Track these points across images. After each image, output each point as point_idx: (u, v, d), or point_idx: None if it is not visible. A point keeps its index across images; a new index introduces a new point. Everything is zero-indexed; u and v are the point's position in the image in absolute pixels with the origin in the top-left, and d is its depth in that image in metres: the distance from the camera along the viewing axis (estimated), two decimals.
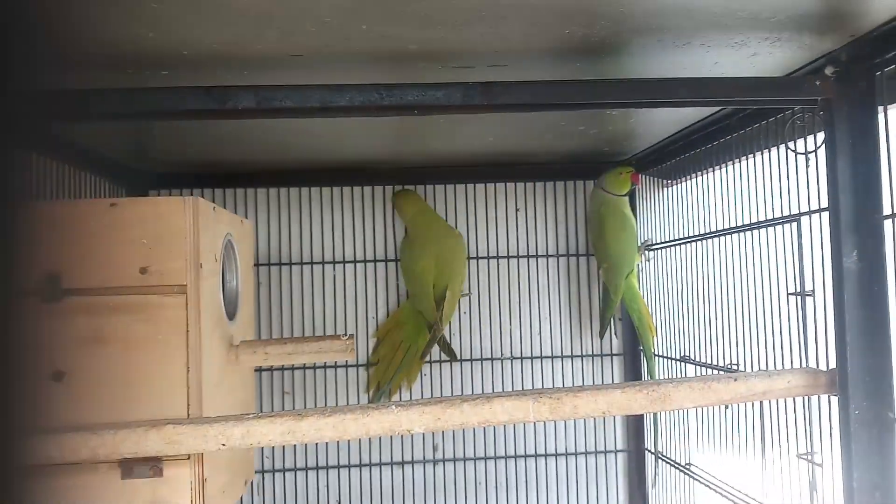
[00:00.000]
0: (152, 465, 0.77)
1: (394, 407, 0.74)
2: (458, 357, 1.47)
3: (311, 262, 1.46)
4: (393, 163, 1.43)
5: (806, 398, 0.91)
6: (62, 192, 1.10)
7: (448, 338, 1.46)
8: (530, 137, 1.24)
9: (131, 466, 0.76)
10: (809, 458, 0.91)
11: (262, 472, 1.44)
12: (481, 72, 0.84)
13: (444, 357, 1.47)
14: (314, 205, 1.47)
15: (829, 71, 0.79)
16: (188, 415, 0.78)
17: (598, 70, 0.85)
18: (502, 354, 1.49)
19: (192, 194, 1.39)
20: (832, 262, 0.80)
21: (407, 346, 1.43)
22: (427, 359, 1.45)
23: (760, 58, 0.82)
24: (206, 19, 0.66)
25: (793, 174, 0.94)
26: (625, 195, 1.38)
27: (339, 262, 1.47)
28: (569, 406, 0.76)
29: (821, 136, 0.84)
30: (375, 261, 1.48)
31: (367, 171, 1.46)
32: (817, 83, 0.79)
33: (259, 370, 1.43)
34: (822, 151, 0.83)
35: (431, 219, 1.42)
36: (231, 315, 0.96)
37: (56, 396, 0.76)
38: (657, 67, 0.85)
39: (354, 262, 1.47)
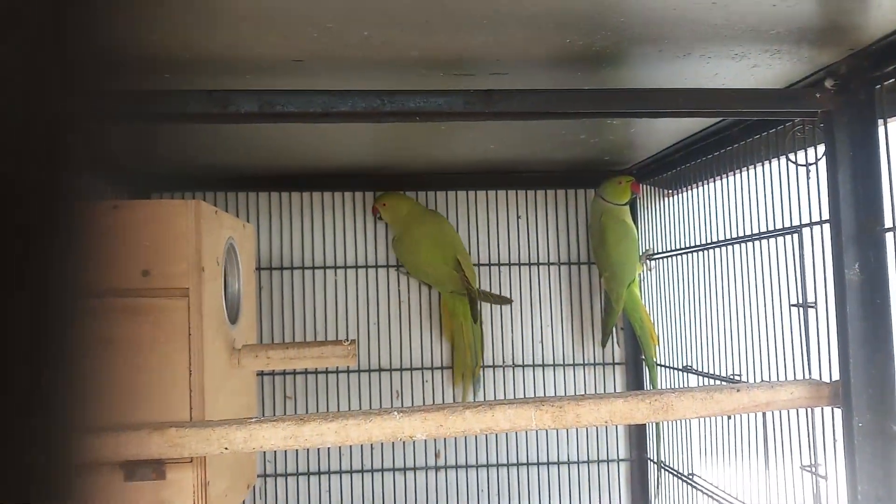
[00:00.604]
0: (155, 468, 0.77)
1: (396, 413, 0.75)
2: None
3: (313, 267, 1.47)
4: (394, 168, 1.43)
5: (809, 410, 0.91)
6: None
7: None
8: (531, 145, 1.25)
9: (134, 469, 0.77)
10: (813, 470, 0.90)
11: (265, 476, 1.44)
12: (482, 79, 0.84)
13: (445, 364, 1.47)
14: (316, 209, 1.48)
15: (828, 83, 0.80)
16: (191, 418, 0.78)
17: (598, 79, 0.86)
18: (504, 362, 1.49)
19: (193, 197, 1.39)
20: (834, 274, 0.80)
21: (468, 326, 1.42)
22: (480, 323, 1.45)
23: (760, 70, 0.82)
24: (207, 22, 0.66)
25: (793, 185, 0.94)
26: (625, 204, 1.38)
27: (340, 267, 1.47)
28: (571, 415, 0.77)
29: (821, 147, 0.84)
30: (377, 266, 1.48)
31: (369, 176, 1.46)
32: (817, 95, 0.79)
33: (261, 374, 1.43)
34: (822, 163, 0.83)
35: (412, 213, 1.42)
36: (233, 319, 0.96)
37: None
38: (657, 78, 0.85)
39: (356, 266, 1.48)
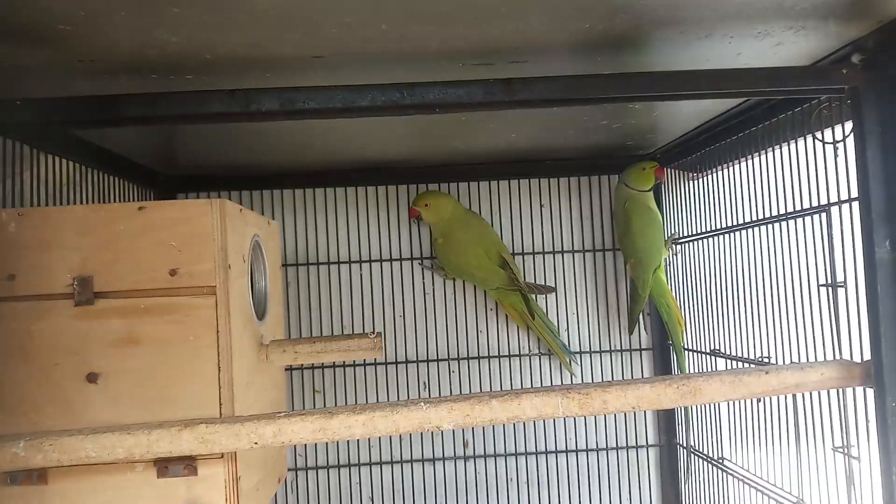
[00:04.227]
0: (187, 464, 0.78)
1: (423, 404, 0.75)
2: (490, 355, 1.46)
3: (339, 262, 1.48)
4: (416, 162, 1.43)
5: (840, 391, 0.90)
6: (92, 196, 1.13)
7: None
8: (553, 133, 1.24)
9: (166, 465, 0.78)
10: (846, 451, 0.89)
11: (296, 469, 1.46)
12: (502, 68, 0.84)
13: (472, 354, 1.47)
14: (339, 205, 1.49)
15: (856, 58, 0.78)
16: (220, 414, 0.79)
17: (619, 64, 0.85)
18: (530, 350, 1.49)
19: (219, 196, 1.41)
20: (864, 253, 0.79)
21: (531, 315, 1.43)
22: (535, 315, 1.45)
23: (785, 47, 0.81)
24: (227, 22, 0.66)
25: (821, 164, 0.93)
26: (649, 190, 1.37)
27: (365, 262, 1.48)
28: (598, 401, 0.76)
29: (849, 125, 0.82)
30: (401, 259, 1.49)
31: (391, 170, 1.47)
32: (844, 71, 0.78)
33: (290, 369, 1.45)
34: (850, 140, 0.82)
35: (455, 213, 1.42)
36: (260, 315, 0.97)
37: (92, 397, 0.78)
38: (678, 60, 0.84)
39: (381, 260, 1.48)
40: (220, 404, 0.79)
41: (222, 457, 0.78)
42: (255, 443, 0.73)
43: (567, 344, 1.49)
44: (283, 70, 0.81)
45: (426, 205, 1.40)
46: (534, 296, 1.46)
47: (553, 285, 1.49)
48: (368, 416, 0.74)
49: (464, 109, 0.78)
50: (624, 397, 0.76)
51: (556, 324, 1.49)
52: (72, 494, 0.77)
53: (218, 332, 0.80)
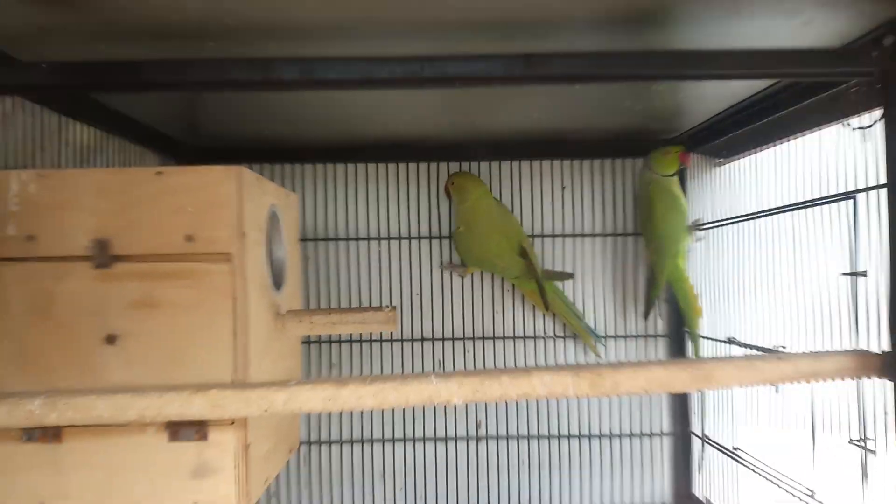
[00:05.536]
0: (198, 429, 0.79)
1: (433, 378, 0.75)
2: (546, 308, 1.43)
3: (357, 238, 1.48)
4: (438, 139, 1.43)
5: (859, 383, 0.89)
6: (114, 162, 1.14)
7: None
8: (576, 113, 1.23)
9: (177, 429, 0.78)
10: (863, 444, 0.88)
11: (309, 443, 1.47)
12: (523, 43, 0.83)
13: (486, 335, 1.48)
14: (360, 181, 1.49)
15: (887, 41, 0.76)
16: (235, 380, 0.80)
17: (642, 41, 0.84)
18: (545, 333, 1.49)
19: None
20: (890, 241, 0.77)
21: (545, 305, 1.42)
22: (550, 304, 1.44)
23: (814, 26, 0.79)
24: None
25: (848, 150, 0.91)
26: (673, 175, 1.35)
27: (384, 238, 1.48)
28: (609, 381, 0.75)
29: (878, 110, 0.81)
30: (420, 237, 1.49)
31: (411, 147, 1.46)
32: (874, 54, 0.75)
33: (307, 342, 1.46)
34: (880, 126, 0.80)
35: (480, 201, 1.42)
36: (278, 285, 0.98)
37: (109, 359, 0.79)
38: (703, 38, 0.82)
39: (399, 238, 1.48)
40: (235, 370, 0.80)
41: (233, 423, 0.79)
42: (265, 409, 0.73)
43: (592, 327, 1.48)
44: (304, 39, 0.81)
45: (452, 183, 1.42)
46: (553, 282, 1.45)
47: (571, 270, 1.49)
48: (379, 388, 0.74)
49: (483, 84, 0.77)
50: (635, 378, 0.76)
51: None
52: (85, 454, 0.78)
53: (234, 298, 0.80)
